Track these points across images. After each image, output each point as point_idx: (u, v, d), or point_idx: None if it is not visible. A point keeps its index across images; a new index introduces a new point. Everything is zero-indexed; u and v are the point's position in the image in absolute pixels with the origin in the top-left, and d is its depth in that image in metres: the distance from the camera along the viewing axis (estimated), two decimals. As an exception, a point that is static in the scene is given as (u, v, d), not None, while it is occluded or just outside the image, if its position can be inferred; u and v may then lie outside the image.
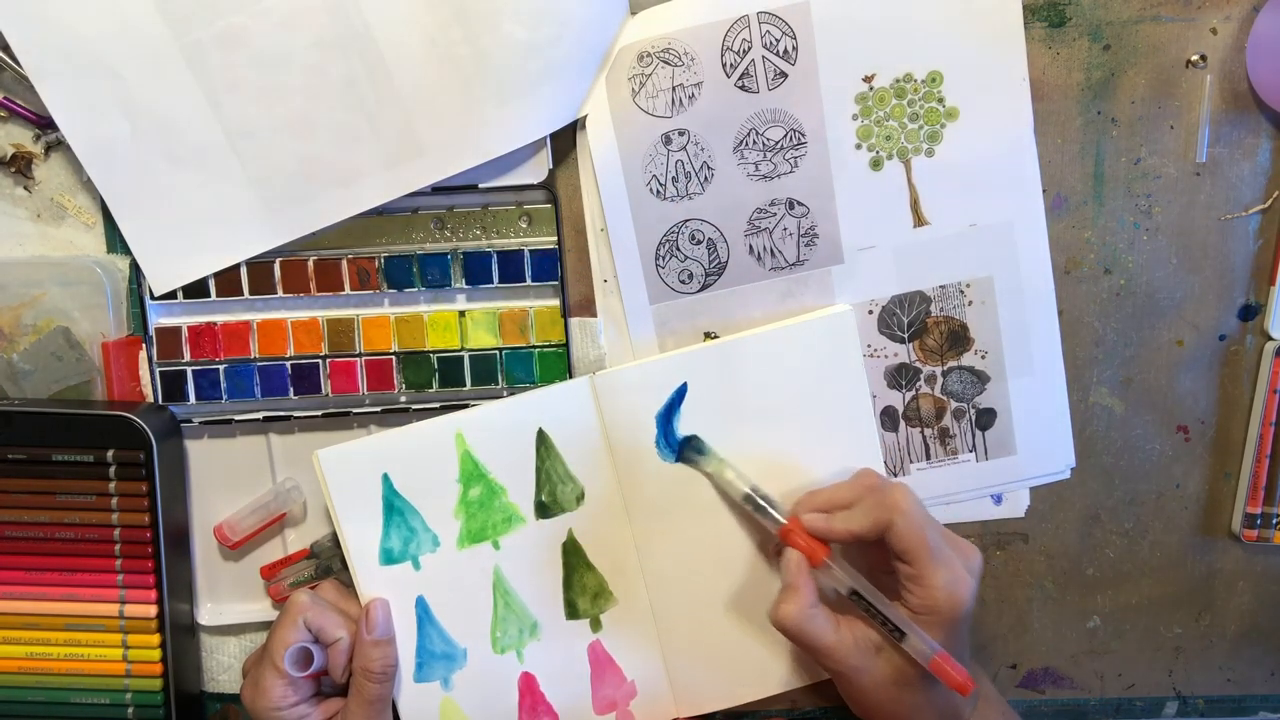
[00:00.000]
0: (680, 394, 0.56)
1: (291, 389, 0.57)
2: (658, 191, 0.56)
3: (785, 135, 0.55)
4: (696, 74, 0.54)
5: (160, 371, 0.57)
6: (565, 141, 0.56)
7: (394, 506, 0.56)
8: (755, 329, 0.56)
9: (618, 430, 0.56)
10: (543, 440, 0.56)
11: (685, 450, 0.56)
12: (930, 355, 0.58)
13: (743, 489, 0.54)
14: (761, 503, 0.54)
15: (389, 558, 0.56)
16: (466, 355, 0.57)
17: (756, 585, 0.58)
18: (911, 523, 0.49)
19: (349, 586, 0.57)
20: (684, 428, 0.56)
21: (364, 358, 0.57)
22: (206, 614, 0.60)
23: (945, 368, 0.58)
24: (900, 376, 0.58)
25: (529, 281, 0.57)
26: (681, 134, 0.55)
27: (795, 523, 0.52)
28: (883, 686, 0.50)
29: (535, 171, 0.55)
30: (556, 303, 0.57)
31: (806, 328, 0.56)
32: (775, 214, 0.56)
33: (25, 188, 0.56)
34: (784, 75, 0.54)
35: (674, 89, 0.55)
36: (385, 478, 0.56)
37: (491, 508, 0.57)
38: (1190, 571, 0.61)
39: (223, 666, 0.61)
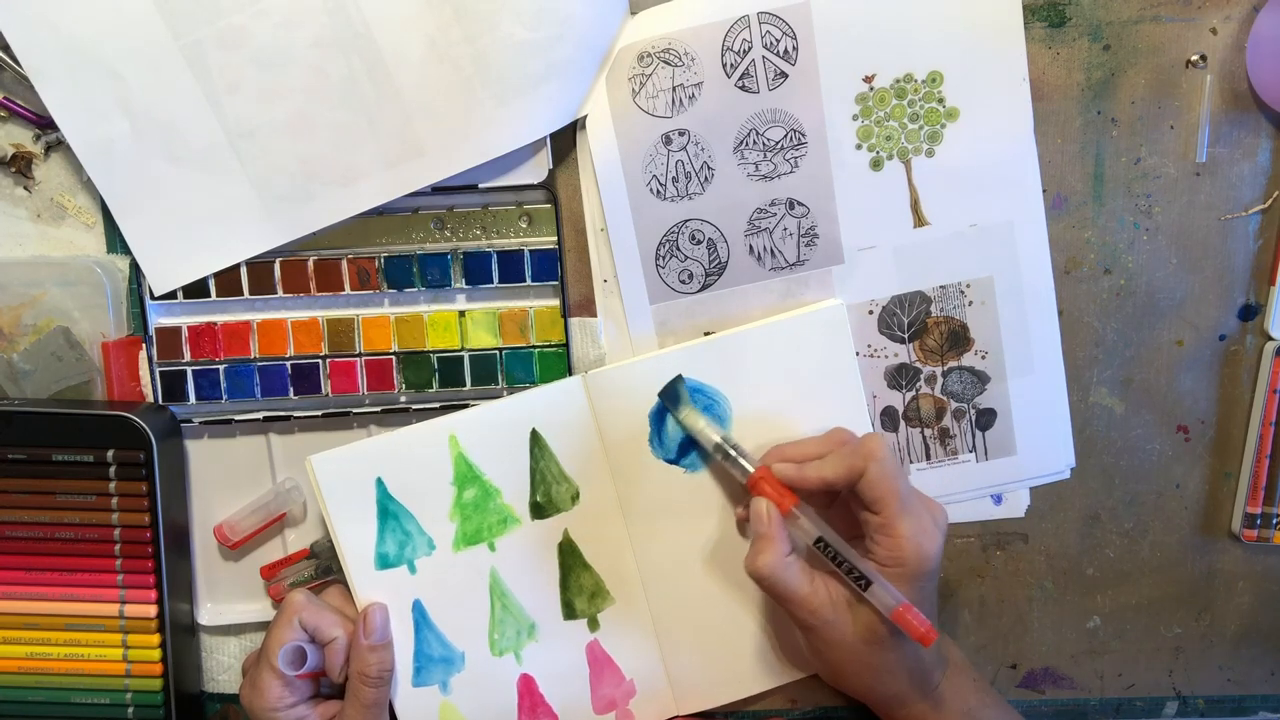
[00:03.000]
0: None
1: (291, 389, 0.57)
2: (658, 191, 0.56)
3: (785, 135, 0.55)
4: (696, 74, 0.54)
5: (160, 371, 0.57)
6: (565, 141, 0.56)
7: (388, 510, 0.56)
8: (747, 325, 0.56)
9: (611, 429, 0.56)
10: (536, 441, 0.56)
11: (664, 394, 0.56)
12: (930, 355, 0.58)
13: (714, 438, 0.54)
14: (732, 452, 0.53)
15: (384, 562, 0.56)
16: (466, 355, 0.57)
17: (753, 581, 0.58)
18: (884, 470, 0.49)
19: (350, 588, 0.57)
20: (677, 425, 0.56)
21: (364, 358, 0.57)
22: (206, 614, 0.60)
23: (945, 368, 0.58)
24: (900, 377, 0.58)
25: (529, 281, 0.57)
26: (681, 134, 0.55)
27: (765, 471, 0.52)
28: (852, 645, 0.51)
29: (535, 171, 0.55)
30: (556, 303, 0.57)
31: (799, 323, 0.56)
32: (775, 214, 0.56)
33: (25, 188, 0.56)
34: (784, 75, 0.54)
35: (674, 89, 0.55)
36: (379, 481, 0.55)
37: (486, 509, 0.57)
38: (1190, 571, 0.61)
39: (223, 666, 0.61)
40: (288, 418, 0.58)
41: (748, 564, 0.51)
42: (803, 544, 0.52)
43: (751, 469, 0.53)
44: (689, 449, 0.56)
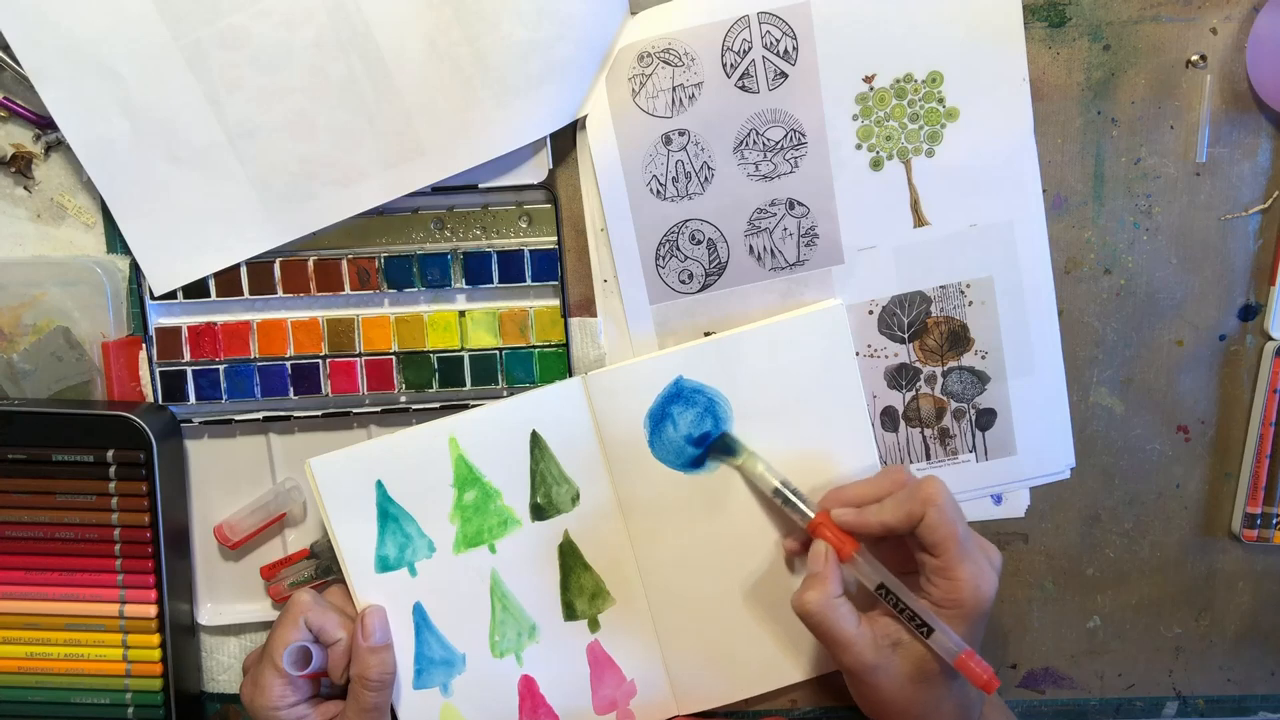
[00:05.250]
0: (672, 392, 0.56)
1: (291, 389, 0.57)
2: (658, 191, 0.56)
3: (785, 135, 0.55)
4: (696, 74, 0.54)
5: (160, 371, 0.57)
6: (565, 141, 0.56)
7: (388, 513, 0.56)
8: (747, 325, 0.56)
9: (611, 430, 0.56)
10: (536, 442, 0.56)
11: (716, 446, 0.56)
12: (930, 355, 0.58)
13: (773, 483, 0.54)
14: (791, 497, 0.54)
15: (385, 565, 0.56)
16: (466, 355, 0.57)
17: (754, 581, 0.58)
18: (944, 515, 0.49)
19: (351, 588, 0.57)
20: (679, 424, 0.56)
21: (364, 358, 0.57)
22: (206, 614, 0.60)
23: (945, 368, 0.58)
24: (900, 377, 0.58)
25: (529, 281, 0.57)
26: (681, 134, 0.55)
27: (824, 516, 0.52)
28: (899, 684, 0.50)
29: (535, 171, 0.55)
30: (556, 303, 0.57)
31: (798, 323, 0.56)
32: (775, 214, 0.56)
33: (25, 188, 0.56)
34: (784, 75, 0.54)
35: (674, 89, 0.55)
36: (379, 484, 0.55)
37: (487, 511, 0.57)
38: (1190, 571, 0.61)
39: (223, 666, 0.61)
40: (288, 418, 0.58)
41: (795, 601, 0.51)
42: (853, 584, 0.52)
43: (811, 514, 0.53)
44: (686, 451, 0.56)
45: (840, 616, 0.50)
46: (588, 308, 0.58)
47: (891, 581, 0.51)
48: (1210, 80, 0.55)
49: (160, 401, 0.57)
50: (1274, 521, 0.58)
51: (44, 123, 0.54)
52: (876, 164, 0.56)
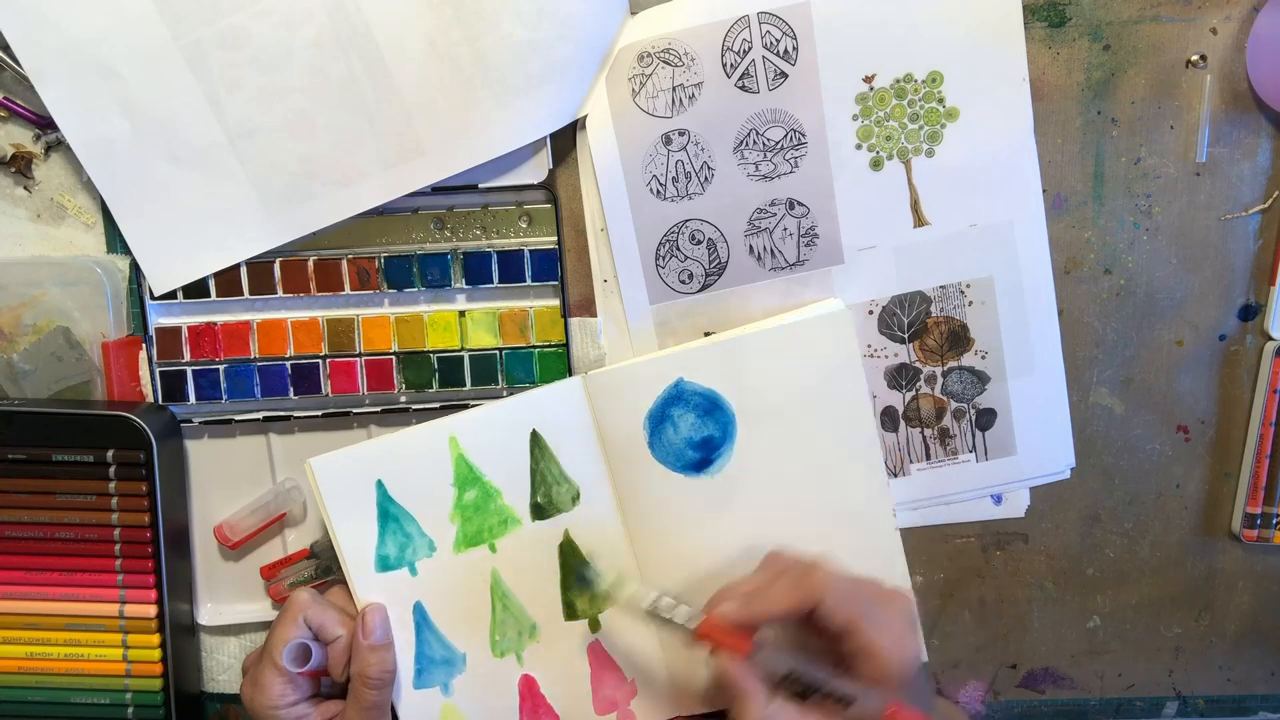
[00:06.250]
0: (673, 394, 0.56)
1: (291, 389, 0.57)
2: (658, 191, 0.56)
3: (785, 135, 0.55)
4: (696, 74, 0.54)
5: (160, 371, 0.57)
6: (565, 141, 0.56)
7: (389, 513, 0.56)
8: (749, 327, 0.56)
9: (611, 430, 0.56)
10: (536, 441, 0.56)
11: (576, 581, 0.57)
12: (930, 355, 0.58)
13: (642, 606, 0.50)
14: (670, 608, 0.50)
15: (385, 564, 0.56)
16: (466, 355, 0.57)
17: (756, 585, 0.58)
18: (840, 600, 0.46)
19: (351, 588, 0.57)
20: (679, 426, 0.56)
21: (364, 358, 0.57)
22: (206, 614, 0.60)
23: (945, 368, 0.58)
24: (900, 377, 0.58)
25: (529, 281, 0.57)
26: (681, 134, 0.55)
27: (710, 620, 0.48)
28: None
29: (535, 171, 0.55)
30: (556, 303, 0.57)
31: (803, 326, 0.56)
32: (775, 214, 0.56)
33: (25, 188, 0.56)
34: (784, 75, 0.54)
35: (674, 89, 0.55)
36: (379, 484, 0.55)
37: (487, 511, 0.57)
38: (1190, 571, 0.61)
39: (223, 666, 0.61)
40: (288, 418, 0.58)
41: None
42: (780, 672, 0.48)
43: (693, 624, 0.48)
44: (686, 455, 0.56)
45: None
46: (588, 308, 0.58)
47: (799, 667, 0.47)
48: (1210, 80, 0.55)
49: (160, 401, 0.57)
50: (1274, 521, 0.58)
51: (44, 123, 0.54)
52: (876, 164, 0.56)
